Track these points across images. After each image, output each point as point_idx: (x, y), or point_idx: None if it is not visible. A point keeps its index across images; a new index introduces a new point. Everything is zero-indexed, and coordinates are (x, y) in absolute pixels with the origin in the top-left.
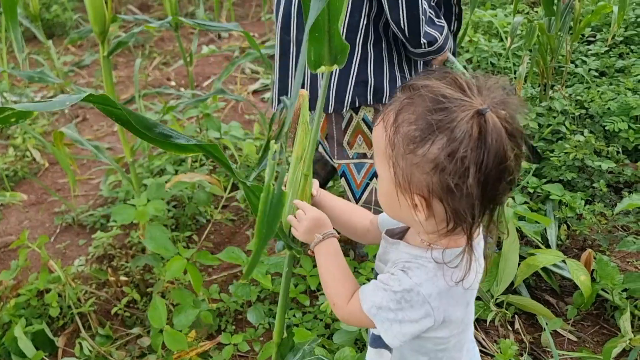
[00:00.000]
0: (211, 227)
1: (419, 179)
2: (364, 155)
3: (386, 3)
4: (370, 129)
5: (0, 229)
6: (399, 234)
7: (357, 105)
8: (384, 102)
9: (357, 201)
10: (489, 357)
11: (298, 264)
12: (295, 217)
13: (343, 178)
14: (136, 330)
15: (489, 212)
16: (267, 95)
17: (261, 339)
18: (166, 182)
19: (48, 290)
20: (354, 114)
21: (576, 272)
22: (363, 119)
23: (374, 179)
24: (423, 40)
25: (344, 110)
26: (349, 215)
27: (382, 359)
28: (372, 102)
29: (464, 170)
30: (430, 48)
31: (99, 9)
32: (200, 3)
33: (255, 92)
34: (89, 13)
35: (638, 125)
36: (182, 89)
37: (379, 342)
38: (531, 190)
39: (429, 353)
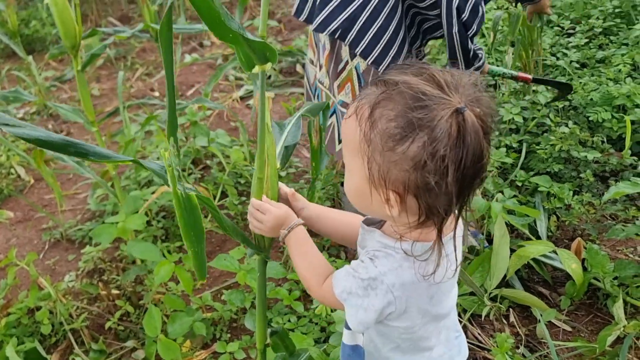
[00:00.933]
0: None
1: (396, 176)
2: (347, 105)
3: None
4: (360, 81)
5: None
6: (378, 224)
7: (335, 37)
8: (367, 62)
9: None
10: (486, 352)
11: (289, 269)
12: (255, 218)
13: (334, 116)
14: (130, 344)
15: (458, 207)
16: (252, 102)
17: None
18: (152, 193)
19: (39, 308)
20: (349, 60)
21: (567, 261)
22: (355, 68)
23: None
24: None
25: (324, 33)
26: (344, 224)
27: (356, 340)
28: (352, 48)
29: (444, 168)
30: (478, 64)
31: (69, 23)
32: (182, 12)
33: (241, 98)
34: (59, 28)
35: (621, 114)
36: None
37: None
38: (519, 184)
39: (395, 340)
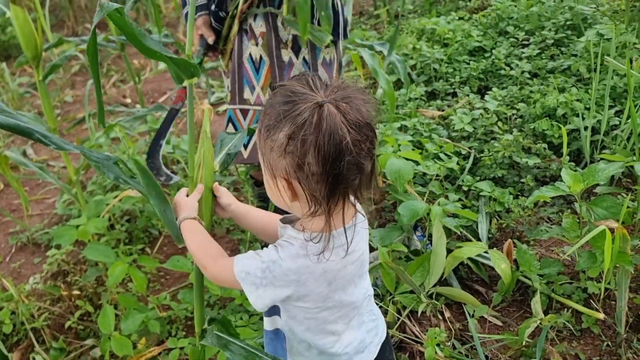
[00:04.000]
0: (163, 239)
1: (277, 162)
2: None
3: None
4: None
5: None
6: (293, 222)
7: None
8: None
9: None
10: (420, 345)
11: None
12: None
13: None
14: (89, 342)
15: (341, 195)
16: (223, 107)
17: None
18: (115, 197)
19: (1, 309)
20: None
21: (497, 260)
22: None
23: None
24: None
25: None
26: (262, 220)
27: (275, 325)
28: None
29: (305, 150)
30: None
31: (29, 35)
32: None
33: (212, 104)
34: (20, 40)
35: (562, 123)
36: (138, 106)
37: (270, 311)
38: (466, 188)
39: (302, 321)
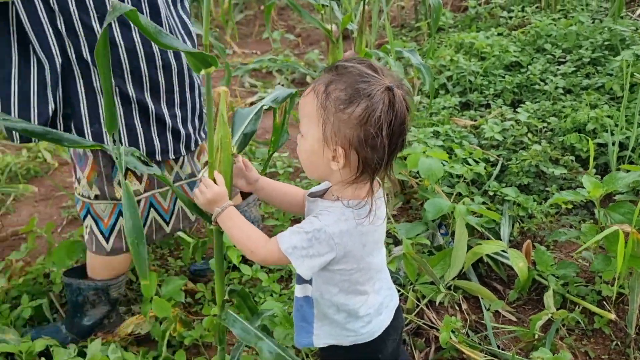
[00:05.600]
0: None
1: (344, 133)
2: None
3: None
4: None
5: (12, 220)
6: (320, 195)
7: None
8: None
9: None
10: (435, 331)
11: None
12: (199, 190)
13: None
14: (124, 307)
15: (388, 164)
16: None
17: None
18: None
19: (52, 270)
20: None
21: (516, 259)
22: None
23: None
24: None
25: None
26: (289, 195)
27: (306, 292)
28: None
29: (380, 126)
30: None
31: None
32: (231, 14)
33: (252, 104)
34: None
35: (590, 138)
36: None
37: (301, 279)
38: (491, 193)
39: (337, 284)
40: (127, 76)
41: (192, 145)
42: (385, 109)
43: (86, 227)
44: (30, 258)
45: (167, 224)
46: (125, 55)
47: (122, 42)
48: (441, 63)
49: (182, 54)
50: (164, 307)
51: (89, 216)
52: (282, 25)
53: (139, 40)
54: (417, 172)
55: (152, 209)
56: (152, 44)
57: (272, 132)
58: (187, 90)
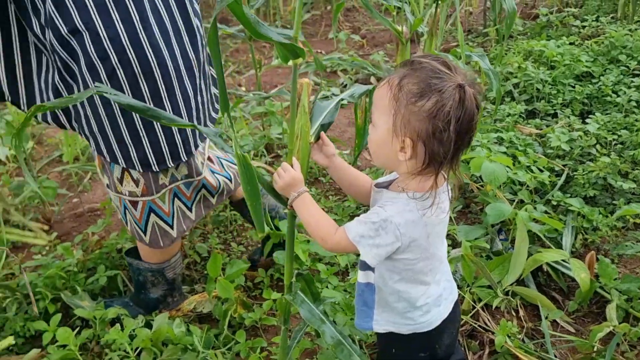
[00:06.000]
0: None
1: (414, 125)
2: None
3: None
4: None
5: (88, 197)
6: (386, 185)
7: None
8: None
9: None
10: (490, 334)
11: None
12: (277, 174)
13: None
14: (188, 287)
15: (454, 159)
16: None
17: None
18: None
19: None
20: None
21: (578, 269)
22: None
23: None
24: None
25: None
26: (358, 180)
27: (368, 279)
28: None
29: (448, 120)
30: None
31: None
32: (278, 19)
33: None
34: None
35: None
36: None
37: (365, 266)
38: (555, 203)
39: (400, 272)
40: (141, 78)
41: (193, 149)
42: (455, 105)
43: (116, 207)
44: (105, 233)
45: (172, 227)
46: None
47: (129, 42)
48: (508, 70)
49: (192, 55)
50: (228, 288)
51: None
52: (348, 26)
53: (146, 40)
54: (479, 177)
55: (152, 214)
56: (161, 45)
57: (355, 135)
58: (194, 93)
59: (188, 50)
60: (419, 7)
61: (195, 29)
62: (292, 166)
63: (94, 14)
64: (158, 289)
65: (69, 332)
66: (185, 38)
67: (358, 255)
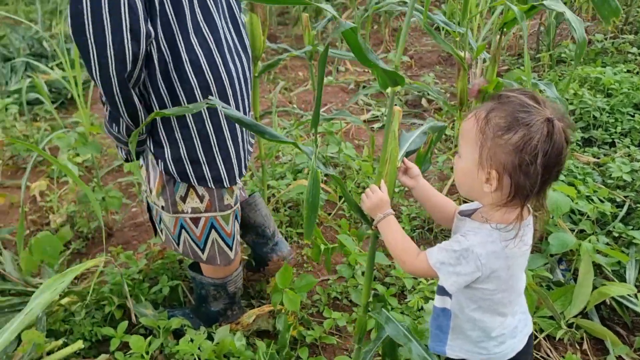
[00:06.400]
0: (321, 229)
1: (500, 157)
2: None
3: None
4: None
5: None
6: (469, 214)
7: None
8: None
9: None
10: None
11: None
12: (365, 195)
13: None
14: (245, 301)
15: (540, 192)
16: (377, 125)
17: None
18: (287, 185)
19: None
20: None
21: None
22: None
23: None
24: None
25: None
26: (441, 203)
27: (445, 304)
28: None
29: (535, 154)
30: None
31: (257, 37)
32: (339, 39)
33: (367, 121)
34: (250, 42)
35: None
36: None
37: (442, 291)
38: (616, 234)
39: (478, 301)
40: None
41: (244, 170)
42: (543, 138)
43: (165, 231)
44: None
45: (231, 249)
46: (213, 74)
47: (204, 59)
48: (564, 97)
49: (248, 74)
50: (294, 301)
51: (162, 222)
52: (395, 46)
53: (220, 58)
54: None
55: (213, 230)
56: (227, 65)
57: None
58: (248, 109)
59: (246, 69)
60: (473, 33)
61: (248, 48)
62: (379, 188)
63: (179, 37)
64: (219, 303)
65: (142, 341)
66: (244, 58)
67: (426, 279)
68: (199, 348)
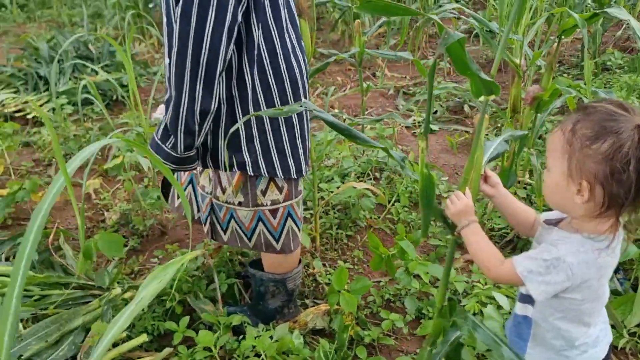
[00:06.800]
0: (370, 231)
1: (590, 167)
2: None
3: None
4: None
5: None
6: (555, 223)
7: None
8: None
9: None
10: None
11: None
12: (450, 201)
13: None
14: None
15: (636, 199)
16: (418, 130)
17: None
18: (337, 187)
19: None
20: None
21: None
22: None
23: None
24: None
25: None
26: (521, 211)
27: (526, 312)
28: None
29: (627, 161)
30: None
31: (307, 42)
32: (388, 40)
33: (407, 127)
34: None
35: None
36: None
37: (525, 299)
38: None
39: (564, 311)
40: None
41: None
42: (635, 145)
43: (234, 229)
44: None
45: (300, 231)
46: (298, 69)
47: (295, 59)
48: None
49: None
50: (352, 302)
51: (232, 220)
52: (431, 52)
53: (302, 58)
54: None
55: (289, 218)
56: (305, 62)
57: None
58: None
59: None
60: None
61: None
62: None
63: (274, 32)
64: (277, 300)
65: (209, 335)
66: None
67: (482, 283)
68: (252, 345)
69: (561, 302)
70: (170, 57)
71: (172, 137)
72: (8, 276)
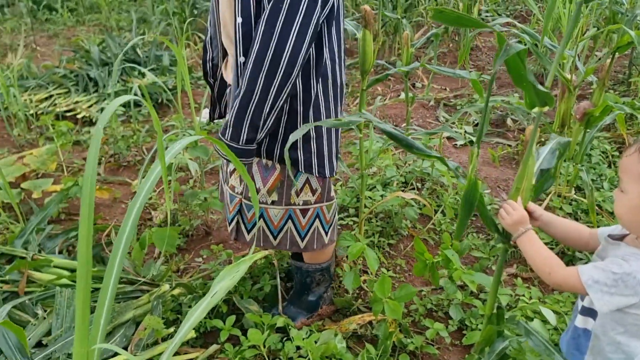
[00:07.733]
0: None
1: None
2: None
3: None
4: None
5: None
6: (619, 238)
7: None
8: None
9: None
10: None
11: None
12: (505, 211)
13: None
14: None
15: None
16: (460, 142)
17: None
18: (380, 196)
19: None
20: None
21: None
22: None
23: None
24: None
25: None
26: (572, 230)
27: (587, 324)
28: None
29: None
30: None
31: (369, 54)
32: (435, 53)
33: (448, 138)
34: (360, 56)
35: None
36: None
37: (587, 312)
38: None
39: (626, 325)
40: (331, 92)
41: None
42: None
43: (261, 229)
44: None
45: (326, 234)
46: (339, 71)
47: (343, 65)
48: None
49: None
50: (396, 309)
51: (261, 219)
52: (472, 65)
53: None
54: None
55: (317, 219)
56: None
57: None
58: None
59: None
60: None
61: None
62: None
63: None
64: (321, 287)
65: (259, 334)
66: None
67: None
68: (297, 347)
69: (625, 317)
70: (247, 56)
71: (230, 129)
72: (63, 268)
